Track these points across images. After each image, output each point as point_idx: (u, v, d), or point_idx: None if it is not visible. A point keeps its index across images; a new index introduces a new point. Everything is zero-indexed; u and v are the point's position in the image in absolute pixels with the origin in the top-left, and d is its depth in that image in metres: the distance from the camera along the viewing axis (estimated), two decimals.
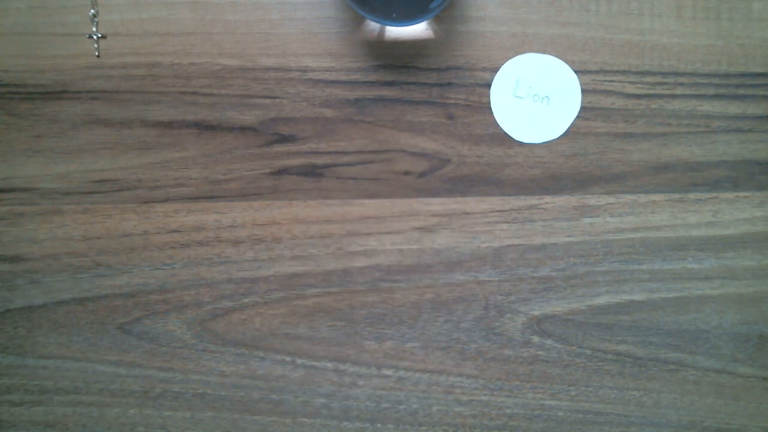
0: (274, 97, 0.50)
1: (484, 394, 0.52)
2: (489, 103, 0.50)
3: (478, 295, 0.51)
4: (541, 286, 0.51)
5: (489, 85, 0.50)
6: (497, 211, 0.51)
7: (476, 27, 0.49)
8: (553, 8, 0.49)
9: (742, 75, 0.49)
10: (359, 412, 0.52)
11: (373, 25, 0.49)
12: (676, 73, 0.49)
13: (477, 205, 0.51)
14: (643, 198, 0.50)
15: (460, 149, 0.50)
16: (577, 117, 0.50)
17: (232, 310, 0.51)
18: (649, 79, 0.49)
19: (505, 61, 0.49)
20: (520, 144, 0.50)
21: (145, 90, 0.50)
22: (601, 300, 0.51)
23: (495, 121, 0.50)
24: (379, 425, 0.52)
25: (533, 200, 0.50)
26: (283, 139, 0.50)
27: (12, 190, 0.51)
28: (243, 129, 0.50)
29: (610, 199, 0.50)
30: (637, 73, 0.49)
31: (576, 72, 0.49)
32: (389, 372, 0.52)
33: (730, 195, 0.50)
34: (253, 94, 0.50)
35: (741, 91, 0.49)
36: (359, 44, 0.49)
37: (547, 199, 0.51)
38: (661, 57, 0.49)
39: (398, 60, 0.49)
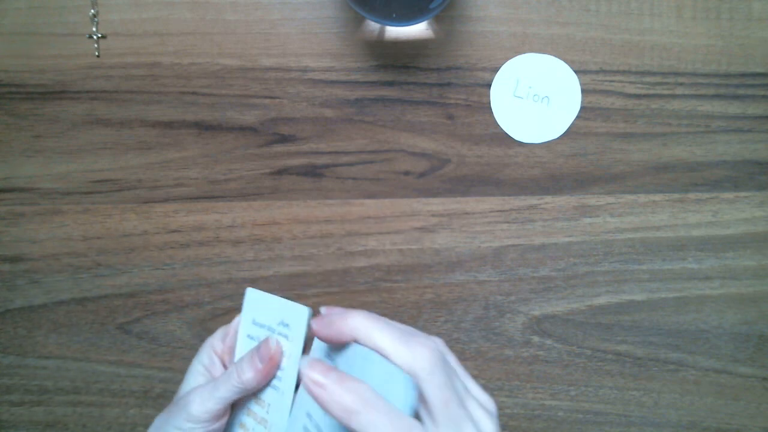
0: (274, 97, 0.50)
1: None
2: (489, 103, 0.50)
3: (478, 295, 0.51)
4: (541, 286, 0.51)
5: (489, 85, 0.49)
6: (497, 211, 0.51)
7: (476, 27, 0.49)
8: (553, 8, 0.49)
9: (742, 75, 0.49)
10: None
11: (373, 25, 0.49)
12: (676, 73, 0.49)
13: (477, 205, 0.51)
14: (643, 198, 0.50)
15: (460, 149, 0.50)
16: (577, 117, 0.50)
17: (232, 310, 0.51)
18: (649, 79, 0.49)
19: (505, 61, 0.49)
20: (520, 144, 0.50)
21: (145, 90, 0.50)
22: (601, 300, 0.51)
23: (495, 121, 0.50)
24: None
25: (533, 200, 0.50)
26: (283, 139, 0.50)
27: (12, 190, 0.51)
28: (243, 129, 0.50)
29: (610, 199, 0.50)
30: (637, 73, 0.49)
31: (576, 72, 0.49)
32: None
33: (730, 195, 0.50)
34: (253, 94, 0.50)
35: (741, 91, 0.49)
36: (359, 44, 0.49)
37: (547, 199, 0.51)
38: (661, 57, 0.49)
39: (398, 60, 0.49)
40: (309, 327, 0.37)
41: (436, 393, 0.28)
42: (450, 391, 0.28)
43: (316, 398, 0.29)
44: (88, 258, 0.51)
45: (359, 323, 0.31)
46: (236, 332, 0.42)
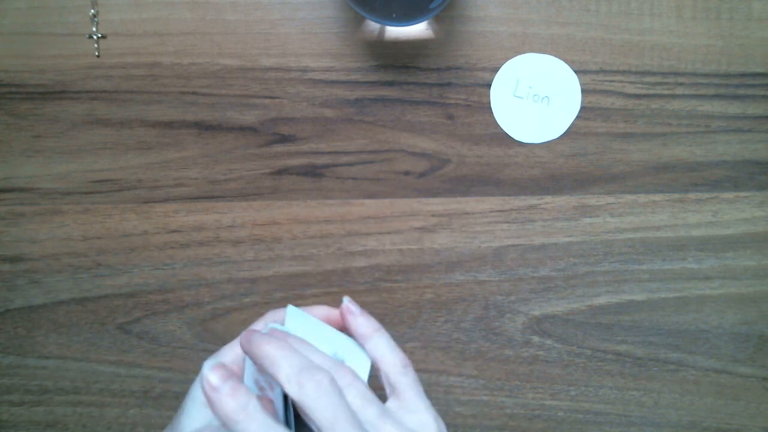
0: (274, 97, 0.50)
1: (484, 394, 0.52)
2: (489, 103, 0.50)
3: (478, 295, 0.51)
4: (541, 286, 0.51)
5: (489, 85, 0.49)
6: (497, 211, 0.51)
7: (476, 27, 0.49)
8: (553, 8, 0.49)
9: (742, 75, 0.49)
10: None
11: (373, 25, 0.49)
12: (676, 73, 0.49)
13: (477, 205, 0.51)
14: (643, 198, 0.50)
15: (460, 149, 0.50)
16: (577, 117, 0.50)
17: (232, 310, 0.51)
18: (649, 79, 0.49)
19: (505, 61, 0.49)
20: (520, 144, 0.50)
21: (145, 90, 0.50)
22: (601, 300, 0.51)
23: (495, 121, 0.50)
24: None
25: (533, 200, 0.50)
26: (283, 139, 0.50)
27: (12, 190, 0.51)
28: (243, 129, 0.50)
29: (610, 199, 0.50)
30: (637, 73, 0.49)
31: (576, 72, 0.49)
32: None
33: (730, 195, 0.50)
34: (253, 94, 0.50)
35: (741, 91, 0.49)
36: (359, 44, 0.49)
37: (547, 199, 0.51)
38: (661, 57, 0.49)
39: (398, 60, 0.49)
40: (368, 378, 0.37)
41: (319, 416, 0.31)
42: (335, 411, 0.31)
43: (207, 400, 0.32)
44: (88, 258, 0.51)
45: (269, 353, 0.33)
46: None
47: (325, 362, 0.34)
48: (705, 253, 0.51)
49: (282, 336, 0.36)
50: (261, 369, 0.34)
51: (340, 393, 0.32)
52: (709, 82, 0.49)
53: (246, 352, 0.35)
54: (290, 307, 0.39)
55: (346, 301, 0.38)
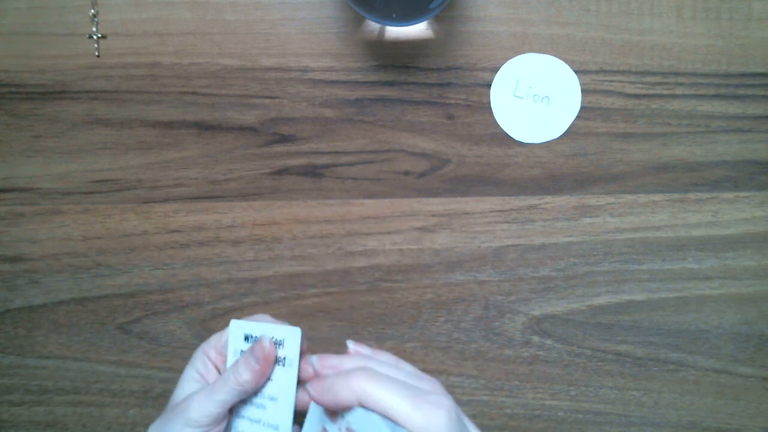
0: (274, 97, 0.50)
1: (484, 394, 0.52)
2: (489, 103, 0.50)
3: (478, 295, 0.51)
4: (541, 286, 0.51)
5: (489, 85, 0.49)
6: (497, 211, 0.51)
7: (476, 27, 0.49)
8: (553, 8, 0.49)
9: (742, 75, 0.49)
10: None
11: (373, 25, 0.49)
12: (676, 73, 0.49)
13: (477, 205, 0.51)
14: (643, 198, 0.50)
15: (460, 149, 0.50)
16: (577, 117, 0.50)
17: (232, 310, 0.51)
18: (649, 79, 0.49)
19: (505, 61, 0.49)
20: (520, 144, 0.50)
21: (145, 90, 0.50)
22: (601, 300, 0.51)
23: (495, 121, 0.50)
24: None
25: (533, 200, 0.50)
26: (283, 139, 0.50)
27: (12, 190, 0.51)
28: (243, 129, 0.50)
29: (610, 199, 0.50)
30: (637, 73, 0.49)
31: (576, 72, 0.49)
32: None
33: (730, 195, 0.50)
34: (253, 94, 0.50)
35: (741, 91, 0.49)
36: (359, 44, 0.49)
37: (547, 199, 0.51)
38: (661, 57, 0.49)
39: (398, 60, 0.49)
40: (302, 344, 0.39)
41: None
42: None
43: None
44: (88, 258, 0.51)
45: (363, 385, 0.29)
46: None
47: (399, 374, 0.32)
48: (705, 253, 0.51)
49: (358, 359, 0.33)
50: (359, 405, 0.29)
51: (462, 426, 0.29)
52: (709, 82, 0.49)
53: (330, 400, 0.30)
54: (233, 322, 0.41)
55: (352, 345, 0.38)
